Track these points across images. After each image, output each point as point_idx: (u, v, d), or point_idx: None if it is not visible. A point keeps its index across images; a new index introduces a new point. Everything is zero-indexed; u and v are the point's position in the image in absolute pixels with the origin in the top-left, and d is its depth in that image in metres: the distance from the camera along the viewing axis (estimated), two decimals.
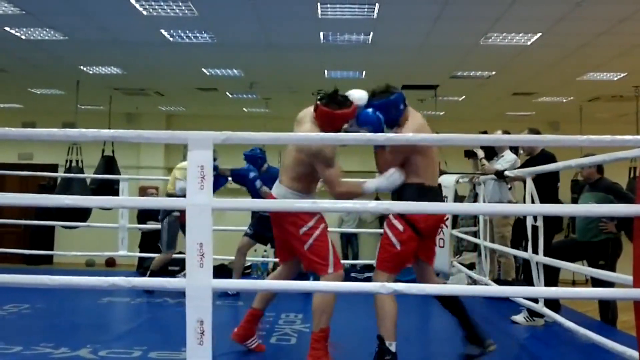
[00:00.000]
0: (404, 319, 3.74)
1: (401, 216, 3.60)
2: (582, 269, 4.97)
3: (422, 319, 5.62)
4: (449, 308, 3.96)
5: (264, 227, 5.84)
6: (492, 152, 6.58)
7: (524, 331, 4.97)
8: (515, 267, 6.76)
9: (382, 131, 3.68)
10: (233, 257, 6.46)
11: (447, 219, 6.79)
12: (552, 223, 5.13)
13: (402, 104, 3.82)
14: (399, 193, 3.71)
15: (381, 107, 3.73)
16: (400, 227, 3.61)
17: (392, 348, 3.52)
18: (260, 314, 4.08)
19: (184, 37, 7.87)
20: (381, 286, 3.14)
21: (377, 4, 6.50)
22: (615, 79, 9.56)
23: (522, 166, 5.67)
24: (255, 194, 6.01)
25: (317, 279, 3.93)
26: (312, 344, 3.66)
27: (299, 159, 3.77)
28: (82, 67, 9.64)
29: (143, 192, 11.72)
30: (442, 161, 10.54)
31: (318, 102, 3.75)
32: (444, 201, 4.14)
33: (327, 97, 3.74)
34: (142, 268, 7.29)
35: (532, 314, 5.04)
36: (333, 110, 3.69)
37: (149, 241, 9.00)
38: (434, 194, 3.78)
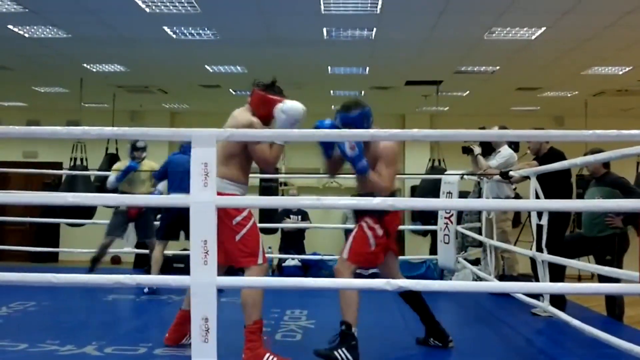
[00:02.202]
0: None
1: (379, 220, 3.89)
2: (588, 265, 4.95)
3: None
4: (410, 304, 4.17)
5: (175, 221, 6.08)
6: (489, 148, 6.57)
7: (529, 326, 4.95)
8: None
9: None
10: None
11: (452, 215, 6.79)
12: (562, 219, 5.11)
13: (371, 118, 4.01)
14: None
15: (355, 119, 3.91)
16: (380, 231, 3.90)
17: (356, 334, 3.74)
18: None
19: (187, 34, 7.85)
20: (386, 283, 3.13)
21: None
22: (621, 72, 9.51)
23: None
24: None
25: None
26: (247, 336, 3.68)
27: (229, 145, 3.83)
28: (85, 65, 9.64)
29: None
30: (440, 159, 10.58)
31: (255, 87, 4.05)
32: None
33: (263, 85, 4.07)
34: (148, 266, 7.30)
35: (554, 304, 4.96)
36: (266, 94, 3.97)
37: None
38: None
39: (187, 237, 6.08)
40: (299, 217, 9.30)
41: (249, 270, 3.79)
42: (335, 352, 3.67)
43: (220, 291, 5.14)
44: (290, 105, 3.83)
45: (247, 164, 3.93)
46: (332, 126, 3.83)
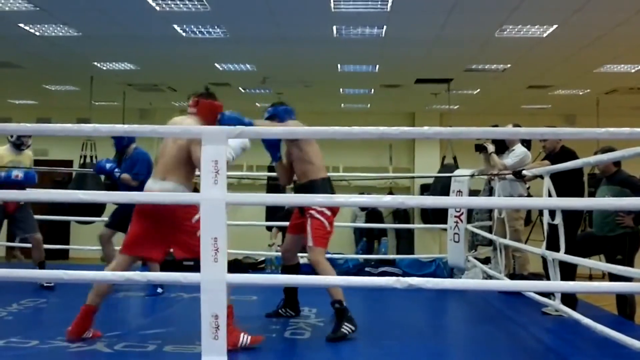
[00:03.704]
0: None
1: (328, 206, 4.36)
2: (599, 264, 4.91)
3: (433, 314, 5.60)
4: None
5: (124, 215, 5.76)
6: (503, 146, 6.53)
7: (540, 325, 4.93)
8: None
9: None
10: (247, 252, 6.37)
11: (462, 213, 6.76)
12: (574, 218, 5.08)
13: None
14: (307, 187, 4.48)
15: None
16: (328, 212, 4.36)
17: (346, 304, 4.14)
18: (95, 309, 4.02)
19: (197, 32, 7.87)
20: (396, 281, 3.12)
21: None
22: (633, 70, 9.45)
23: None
24: (120, 183, 5.90)
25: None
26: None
27: (176, 148, 4.01)
28: (95, 63, 9.67)
29: None
30: (452, 156, 10.54)
31: (197, 98, 4.34)
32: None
33: (205, 94, 4.37)
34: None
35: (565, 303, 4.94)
36: (214, 101, 4.30)
37: None
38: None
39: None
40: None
41: None
42: (342, 330, 4.05)
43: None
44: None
45: (193, 169, 4.04)
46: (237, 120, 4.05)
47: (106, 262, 5.80)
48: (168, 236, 3.95)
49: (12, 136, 6.12)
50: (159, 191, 3.93)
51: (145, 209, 3.93)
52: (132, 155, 6.00)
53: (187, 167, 3.99)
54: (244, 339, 3.77)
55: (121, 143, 6.02)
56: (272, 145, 4.56)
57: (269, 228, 9.85)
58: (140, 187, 5.33)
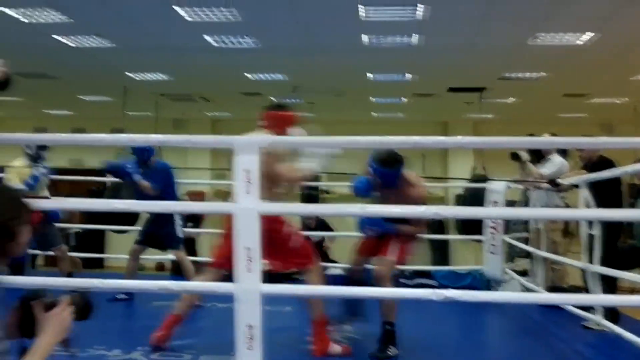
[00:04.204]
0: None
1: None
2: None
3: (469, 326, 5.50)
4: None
5: (155, 228, 5.88)
6: (539, 155, 6.41)
7: (580, 339, 4.80)
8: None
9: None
10: None
11: (499, 224, 6.65)
12: (613, 229, 4.95)
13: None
14: None
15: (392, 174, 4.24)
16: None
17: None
18: (181, 318, 4.20)
19: (228, 43, 7.90)
20: (432, 293, 3.06)
21: (421, 5, 6.40)
22: None
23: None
24: (136, 188, 5.77)
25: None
26: (315, 329, 4.00)
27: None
28: (128, 74, 9.79)
29: (190, 197, 11.82)
30: (481, 166, 10.40)
31: (265, 111, 4.35)
32: None
33: (270, 106, 4.43)
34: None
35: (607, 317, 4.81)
36: (277, 112, 4.29)
37: (187, 246, 9.02)
38: None
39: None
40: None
41: (309, 273, 4.10)
42: (387, 352, 4.00)
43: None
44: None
45: (275, 185, 4.01)
46: (367, 185, 4.23)
47: (126, 275, 5.77)
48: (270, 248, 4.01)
49: (29, 148, 6.09)
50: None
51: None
52: (154, 167, 5.92)
53: (267, 183, 3.86)
54: (334, 348, 3.93)
55: (143, 156, 5.87)
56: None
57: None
58: (158, 198, 5.36)
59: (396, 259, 4.21)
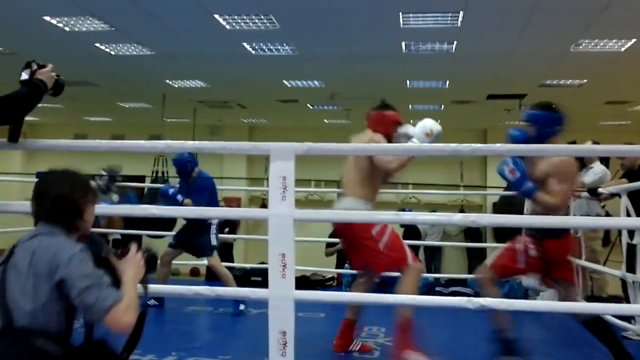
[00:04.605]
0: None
1: (538, 243, 3.81)
2: None
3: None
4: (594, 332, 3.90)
5: (190, 236, 5.90)
6: (580, 163, 6.29)
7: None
8: None
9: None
10: (315, 268, 6.28)
11: None
12: None
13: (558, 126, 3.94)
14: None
15: (538, 117, 3.91)
16: (533, 252, 3.81)
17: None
18: (354, 322, 4.23)
19: (266, 50, 7.95)
20: (467, 301, 3.02)
21: (461, 12, 6.35)
22: None
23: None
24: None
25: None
26: (397, 333, 3.83)
27: (357, 165, 4.09)
28: (168, 81, 9.92)
29: (226, 203, 11.90)
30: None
31: (369, 113, 4.28)
32: None
33: (376, 106, 4.32)
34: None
35: None
36: (382, 111, 4.24)
37: (223, 251, 9.07)
38: None
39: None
40: None
41: (405, 273, 3.93)
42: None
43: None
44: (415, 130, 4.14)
45: (376, 183, 4.11)
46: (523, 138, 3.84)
47: (160, 281, 5.78)
48: (357, 251, 4.06)
49: (101, 179, 6.17)
50: (341, 209, 4.14)
51: (337, 229, 4.37)
52: (197, 180, 5.99)
53: (365, 182, 4.07)
54: (415, 357, 3.72)
55: (185, 169, 5.96)
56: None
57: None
58: None
59: (491, 264, 3.96)
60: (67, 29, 7.20)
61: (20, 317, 1.92)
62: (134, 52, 8.20)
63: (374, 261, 3.97)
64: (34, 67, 2.86)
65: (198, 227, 5.84)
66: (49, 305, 1.94)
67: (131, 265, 2.12)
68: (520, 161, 3.68)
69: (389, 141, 4.14)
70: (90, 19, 6.87)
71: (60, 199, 2.08)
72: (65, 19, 6.90)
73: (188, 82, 10.01)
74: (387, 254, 3.92)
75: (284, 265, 2.95)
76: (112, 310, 1.90)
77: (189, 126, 12.63)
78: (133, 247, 2.18)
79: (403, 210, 10.21)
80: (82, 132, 14.06)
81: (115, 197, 6.38)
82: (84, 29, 7.21)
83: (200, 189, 5.89)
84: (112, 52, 8.19)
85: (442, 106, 11.39)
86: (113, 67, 8.94)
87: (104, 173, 6.46)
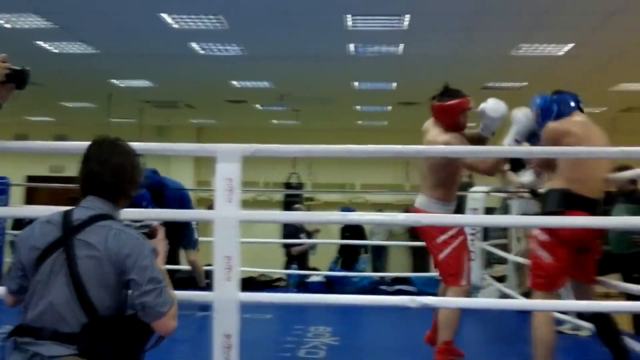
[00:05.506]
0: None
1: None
2: (615, 283, 4.84)
3: None
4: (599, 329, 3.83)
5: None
6: (518, 165, 6.48)
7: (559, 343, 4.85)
8: None
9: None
10: (262, 270, 6.25)
11: (478, 231, 6.71)
12: None
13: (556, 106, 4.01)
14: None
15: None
16: (543, 236, 3.48)
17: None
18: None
19: (214, 50, 7.92)
20: (410, 300, 3.07)
21: (407, 15, 6.47)
22: None
23: None
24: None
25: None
26: (436, 356, 3.66)
27: (431, 165, 3.92)
28: (113, 81, 9.76)
29: None
30: (467, 174, 10.43)
31: (431, 103, 4.02)
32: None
33: (437, 95, 4.04)
34: None
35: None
36: (443, 103, 3.95)
37: (169, 253, 8.94)
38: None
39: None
40: (304, 234, 8.83)
41: (450, 291, 3.76)
42: None
43: None
44: (489, 107, 4.01)
45: (454, 181, 3.96)
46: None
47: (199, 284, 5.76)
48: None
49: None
50: (417, 205, 3.98)
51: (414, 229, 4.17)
52: (166, 195, 5.82)
53: (437, 180, 3.90)
54: None
55: (153, 187, 5.71)
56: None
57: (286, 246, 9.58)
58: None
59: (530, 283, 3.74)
60: (8, 25, 7.02)
61: (103, 310, 2.00)
62: (78, 51, 8.05)
63: (437, 266, 3.91)
64: None
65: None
66: (117, 295, 2.04)
67: (161, 252, 2.19)
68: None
69: (460, 129, 3.96)
70: (33, 15, 6.72)
71: (120, 170, 2.14)
72: (7, 15, 6.73)
73: (134, 82, 9.88)
74: (444, 266, 3.81)
75: (229, 268, 2.96)
76: (164, 317, 2.00)
77: (135, 127, 12.44)
78: (160, 229, 2.25)
79: (348, 209, 10.31)
80: (22, 132, 13.65)
81: None
82: (26, 26, 7.04)
83: (170, 203, 5.71)
84: (55, 50, 8.02)
85: (389, 107, 11.53)
86: (56, 65, 8.75)
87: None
